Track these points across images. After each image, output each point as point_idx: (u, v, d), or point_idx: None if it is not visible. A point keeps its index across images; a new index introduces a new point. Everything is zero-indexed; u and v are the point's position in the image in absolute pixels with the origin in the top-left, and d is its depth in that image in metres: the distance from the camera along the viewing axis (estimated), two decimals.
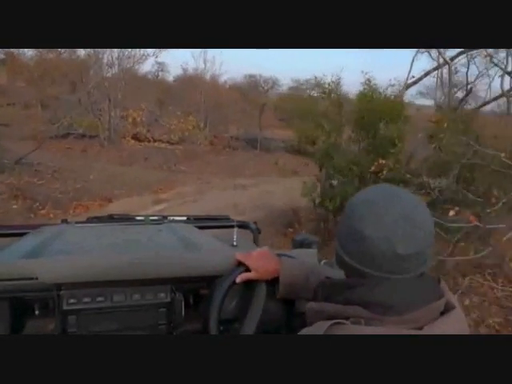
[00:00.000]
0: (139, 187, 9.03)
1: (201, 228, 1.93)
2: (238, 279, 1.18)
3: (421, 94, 18.53)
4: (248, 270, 1.19)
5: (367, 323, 0.78)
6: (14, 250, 1.44)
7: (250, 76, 26.71)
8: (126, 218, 2.11)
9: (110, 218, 2.09)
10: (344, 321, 0.78)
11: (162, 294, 1.25)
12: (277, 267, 1.17)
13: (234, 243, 1.64)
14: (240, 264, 1.21)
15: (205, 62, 17.84)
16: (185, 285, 1.29)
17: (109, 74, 14.40)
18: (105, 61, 14.20)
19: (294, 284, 1.15)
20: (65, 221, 2.01)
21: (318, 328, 0.79)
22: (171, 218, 2.06)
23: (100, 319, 1.21)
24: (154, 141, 14.97)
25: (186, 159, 13.15)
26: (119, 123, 14.41)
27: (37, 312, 1.20)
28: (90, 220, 2.04)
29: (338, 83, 7.58)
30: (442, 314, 0.83)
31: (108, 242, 1.59)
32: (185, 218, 2.11)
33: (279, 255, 1.24)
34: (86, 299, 1.18)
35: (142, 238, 1.67)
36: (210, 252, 1.47)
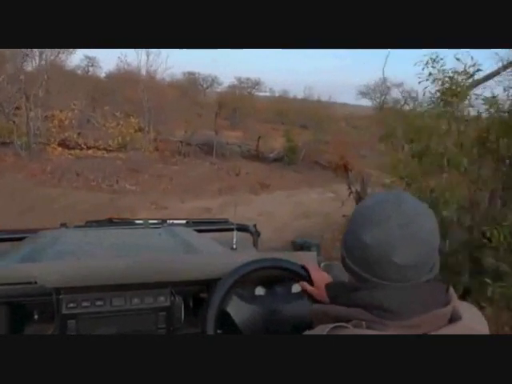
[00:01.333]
0: (69, 222, 6.47)
1: (200, 231, 1.98)
2: (300, 285, 1.21)
3: None
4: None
5: (369, 326, 0.78)
6: (13, 255, 1.51)
7: (190, 73, 25.45)
8: (125, 222, 2.17)
9: (110, 222, 2.10)
10: (345, 324, 0.78)
11: (162, 298, 1.24)
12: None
13: (234, 246, 1.70)
14: (305, 270, 1.23)
15: (147, 54, 15.19)
16: (184, 288, 1.29)
17: (29, 68, 11.57)
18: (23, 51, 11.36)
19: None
20: (64, 225, 2.03)
21: (320, 331, 0.80)
22: (170, 221, 2.10)
23: (99, 323, 1.21)
24: (88, 148, 12.18)
25: (130, 172, 10.54)
26: (41, 126, 11.58)
27: (36, 316, 1.20)
28: (88, 224, 2.08)
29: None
30: (450, 322, 0.81)
31: (107, 245, 1.61)
32: (184, 222, 2.14)
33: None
34: (85, 303, 1.18)
35: (142, 241, 1.71)
36: (210, 255, 1.51)
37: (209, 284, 1.22)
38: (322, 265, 1.39)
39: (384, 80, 21.31)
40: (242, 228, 2.06)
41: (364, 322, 0.77)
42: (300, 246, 1.64)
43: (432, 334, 0.77)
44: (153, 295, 1.23)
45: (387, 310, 0.77)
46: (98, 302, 1.19)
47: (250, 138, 16.14)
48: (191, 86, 24.10)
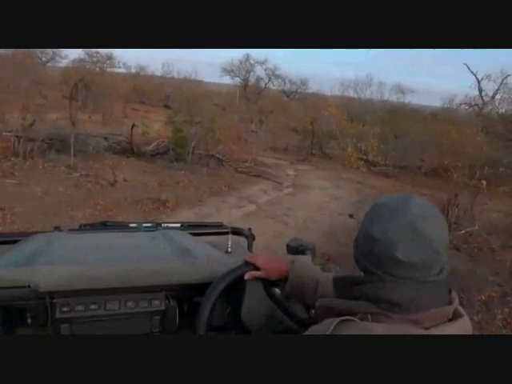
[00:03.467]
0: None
1: (195, 235, 1.97)
2: (247, 276, 1.22)
3: None
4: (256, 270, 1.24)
5: (374, 319, 0.82)
6: (5, 258, 1.46)
7: None
8: (120, 226, 2.12)
9: (104, 225, 2.08)
10: (351, 317, 0.82)
11: (157, 302, 1.24)
12: (287, 268, 1.23)
13: (229, 250, 1.69)
14: (248, 263, 1.25)
15: None
16: (179, 292, 1.28)
17: None
18: None
19: (302, 285, 1.20)
20: (57, 228, 1.96)
21: (326, 325, 0.82)
22: (165, 224, 2.07)
23: (93, 327, 1.20)
24: None
25: None
26: None
27: (29, 320, 1.17)
28: (82, 227, 2.04)
29: None
30: (450, 321, 0.86)
31: (101, 249, 1.58)
32: (179, 225, 2.12)
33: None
34: (79, 307, 1.17)
35: (136, 245, 1.68)
36: (205, 259, 1.47)
37: (203, 288, 1.20)
38: (319, 268, 1.38)
39: (247, 57, 19.65)
40: (237, 232, 2.08)
41: (369, 315, 0.82)
42: (295, 249, 1.60)
43: (436, 334, 0.81)
44: (147, 299, 1.23)
45: (395, 303, 0.81)
46: (92, 306, 1.18)
47: (114, 125, 12.51)
48: (26, 59, 18.97)
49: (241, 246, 1.94)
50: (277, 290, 1.28)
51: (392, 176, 14.48)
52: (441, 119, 21.33)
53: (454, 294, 0.89)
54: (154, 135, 11.70)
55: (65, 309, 1.16)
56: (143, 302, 1.23)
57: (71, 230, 1.90)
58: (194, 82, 24.32)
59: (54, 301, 1.15)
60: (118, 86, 17.10)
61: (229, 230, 1.80)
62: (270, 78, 31.31)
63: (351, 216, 7.83)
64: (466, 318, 0.88)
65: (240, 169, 11.55)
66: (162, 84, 21.94)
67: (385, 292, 0.82)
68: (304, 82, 33.82)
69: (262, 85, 32.40)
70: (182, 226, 2.09)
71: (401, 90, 28.18)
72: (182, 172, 10.09)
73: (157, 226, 2.02)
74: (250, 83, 31.98)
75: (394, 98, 27.54)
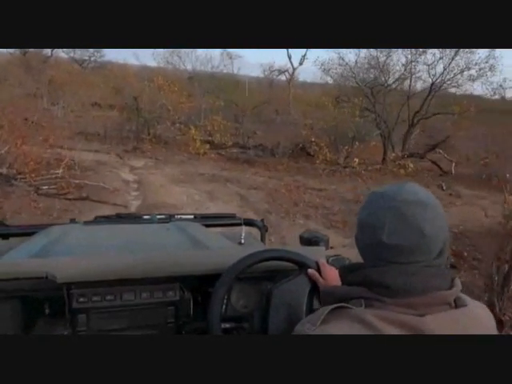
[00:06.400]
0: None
1: (207, 226, 1.98)
2: (310, 273, 1.18)
3: None
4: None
5: (368, 304, 0.81)
6: (23, 250, 1.52)
7: None
8: (134, 217, 2.16)
9: (118, 217, 2.11)
10: (345, 304, 0.82)
11: (171, 293, 1.24)
12: None
13: (242, 241, 1.74)
14: (317, 265, 1.21)
15: None
16: (193, 283, 1.29)
17: None
18: None
19: None
20: (73, 220, 2.05)
21: (318, 314, 0.83)
22: (178, 216, 2.10)
23: (109, 318, 1.21)
24: None
25: None
26: None
27: (47, 311, 1.19)
28: (97, 219, 2.08)
29: None
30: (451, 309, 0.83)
31: (116, 240, 1.63)
32: (192, 217, 2.15)
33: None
34: (95, 298, 1.18)
35: (150, 236, 1.73)
36: (218, 250, 1.51)
37: (217, 279, 1.18)
38: (330, 259, 1.38)
39: None
40: (250, 223, 2.09)
41: (363, 300, 0.81)
42: (308, 240, 1.59)
43: (438, 319, 0.78)
44: (162, 290, 1.23)
45: (387, 286, 0.80)
46: (108, 297, 1.19)
47: None
48: None
49: (253, 237, 1.98)
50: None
51: (255, 162, 11.67)
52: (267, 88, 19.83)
53: (458, 282, 0.86)
54: None
55: (81, 299, 1.16)
56: (158, 292, 1.22)
57: (86, 222, 1.95)
58: None
59: (71, 291, 1.15)
60: None
61: (242, 222, 1.92)
62: None
63: None
64: (470, 307, 0.84)
65: (45, 187, 6.80)
66: None
67: (377, 276, 0.82)
68: (98, 49, 27.81)
69: (48, 51, 25.21)
70: (194, 217, 2.15)
71: (229, 55, 24.79)
72: None
73: (170, 217, 2.05)
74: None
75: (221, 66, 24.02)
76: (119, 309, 1.20)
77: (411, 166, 11.20)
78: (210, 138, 13.05)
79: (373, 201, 0.86)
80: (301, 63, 20.94)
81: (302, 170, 10.87)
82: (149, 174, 9.10)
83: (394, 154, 11.80)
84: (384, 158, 12.45)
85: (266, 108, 14.26)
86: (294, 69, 20.73)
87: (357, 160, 11.37)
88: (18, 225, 2.59)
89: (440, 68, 12.41)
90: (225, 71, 22.68)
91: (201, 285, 1.28)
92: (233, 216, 2.21)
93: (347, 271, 0.90)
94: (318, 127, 12.67)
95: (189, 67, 21.23)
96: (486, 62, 12.01)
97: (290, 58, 20.37)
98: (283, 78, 21.85)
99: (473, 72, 12.28)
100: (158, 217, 2.01)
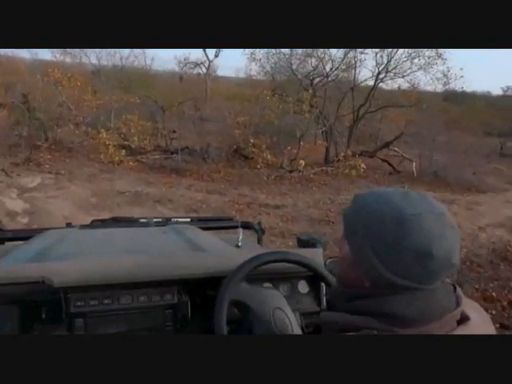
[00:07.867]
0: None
1: (205, 229, 1.96)
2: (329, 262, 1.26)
3: None
4: None
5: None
6: (19, 254, 1.50)
7: None
8: (130, 221, 2.12)
9: (114, 221, 2.09)
10: (355, 334, 0.77)
11: (169, 296, 1.24)
12: None
13: (239, 244, 1.70)
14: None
15: None
16: (191, 286, 1.28)
17: None
18: None
19: None
20: (69, 224, 2.03)
21: None
22: (175, 219, 2.09)
23: (107, 322, 1.20)
24: None
25: None
26: None
27: (44, 315, 1.17)
28: (94, 223, 2.06)
29: None
30: (459, 324, 0.79)
31: (113, 244, 1.62)
32: (188, 220, 2.13)
33: None
34: (92, 302, 1.17)
35: (147, 240, 1.71)
36: (215, 253, 1.50)
37: (214, 282, 1.19)
38: (328, 262, 1.36)
39: None
40: (247, 226, 2.08)
41: (376, 332, 0.75)
42: (306, 243, 1.60)
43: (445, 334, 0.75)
44: (160, 293, 1.23)
45: (402, 318, 0.74)
46: (106, 301, 1.18)
47: None
48: None
49: (250, 241, 1.99)
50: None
51: (185, 170, 9.66)
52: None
53: (459, 292, 0.81)
54: None
55: (78, 303, 1.15)
56: (156, 296, 1.22)
57: (83, 226, 1.94)
58: None
59: (68, 296, 1.15)
60: None
61: (239, 224, 1.91)
62: None
63: None
64: (474, 321, 0.79)
65: None
66: None
67: (389, 307, 0.75)
68: None
69: None
70: (191, 220, 2.13)
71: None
72: None
73: (167, 220, 2.04)
74: None
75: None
76: (116, 313, 1.20)
77: (363, 166, 10.00)
78: (125, 143, 10.72)
79: (405, 213, 0.74)
80: (216, 55, 19.50)
81: (243, 179, 9.11)
82: (47, 198, 6.67)
83: (342, 154, 10.51)
84: (326, 157, 11.17)
85: (185, 104, 12.29)
86: (210, 61, 19.35)
87: (303, 162, 9.91)
88: (13, 229, 2.42)
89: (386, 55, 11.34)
90: (136, 63, 20.19)
91: (198, 288, 1.27)
92: (230, 219, 2.27)
93: (345, 300, 0.83)
94: (253, 125, 11.01)
95: (93, 60, 18.27)
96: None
97: (204, 49, 18.81)
98: (199, 71, 20.16)
99: (422, 61, 11.33)
100: (155, 220, 2.03)
